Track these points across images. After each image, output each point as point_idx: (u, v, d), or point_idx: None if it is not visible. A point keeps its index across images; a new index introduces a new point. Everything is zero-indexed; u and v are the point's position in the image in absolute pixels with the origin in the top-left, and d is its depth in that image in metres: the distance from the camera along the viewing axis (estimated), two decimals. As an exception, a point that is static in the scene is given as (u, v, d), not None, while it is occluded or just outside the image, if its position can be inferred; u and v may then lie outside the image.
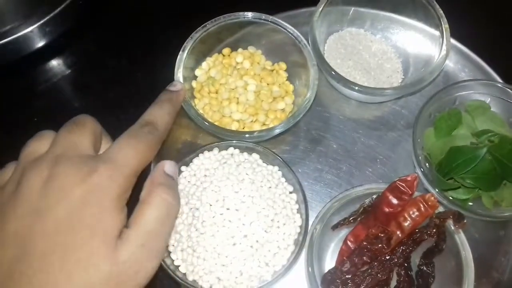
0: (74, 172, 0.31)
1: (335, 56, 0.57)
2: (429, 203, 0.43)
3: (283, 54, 0.56)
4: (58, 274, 0.28)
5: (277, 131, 0.49)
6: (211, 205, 0.45)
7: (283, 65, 0.56)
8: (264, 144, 0.51)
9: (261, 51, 0.56)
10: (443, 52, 0.52)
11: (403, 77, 0.57)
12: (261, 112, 0.53)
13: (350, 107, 0.58)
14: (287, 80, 0.56)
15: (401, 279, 0.45)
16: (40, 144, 0.34)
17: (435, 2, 0.54)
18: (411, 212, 0.44)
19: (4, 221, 0.30)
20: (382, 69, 0.57)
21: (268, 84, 0.54)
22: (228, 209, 0.45)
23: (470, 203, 0.50)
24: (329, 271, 0.46)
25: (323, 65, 0.52)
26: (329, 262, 0.49)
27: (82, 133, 0.34)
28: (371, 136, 0.56)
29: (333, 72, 0.52)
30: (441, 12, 0.53)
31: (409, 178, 0.44)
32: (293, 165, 0.53)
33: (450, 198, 0.49)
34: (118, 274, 0.30)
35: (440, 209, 0.46)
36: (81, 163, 0.32)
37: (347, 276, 0.45)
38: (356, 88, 0.51)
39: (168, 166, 0.39)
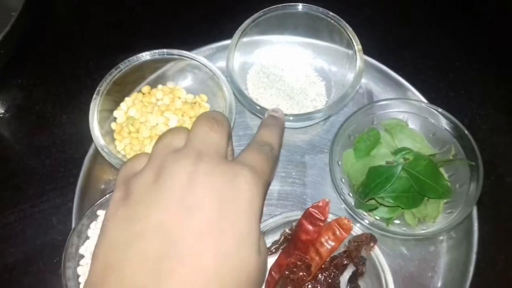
0: (220, 173, 0.30)
1: (258, 85, 0.58)
2: (344, 227, 0.43)
3: (203, 87, 0.56)
4: (212, 276, 0.27)
5: None
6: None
7: (204, 97, 0.56)
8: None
9: (181, 86, 0.56)
10: (358, 70, 0.53)
11: (327, 99, 0.58)
12: (183, 147, 0.53)
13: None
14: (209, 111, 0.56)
15: (328, 307, 0.45)
16: (176, 138, 0.32)
17: (347, 26, 0.55)
18: (327, 237, 0.43)
19: (147, 211, 0.28)
20: (306, 93, 0.58)
21: (190, 117, 0.54)
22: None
23: (397, 221, 0.50)
24: (255, 304, 0.45)
25: (240, 95, 0.52)
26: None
27: (222, 132, 0.32)
28: (300, 161, 0.56)
29: (252, 103, 0.52)
30: (353, 33, 0.54)
31: (320, 204, 0.43)
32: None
33: (376, 218, 0.49)
34: (257, 278, 0.30)
35: (359, 230, 0.45)
36: (224, 164, 0.30)
37: (273, 309, 0.44)
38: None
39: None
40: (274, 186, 0.54)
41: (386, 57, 0.60)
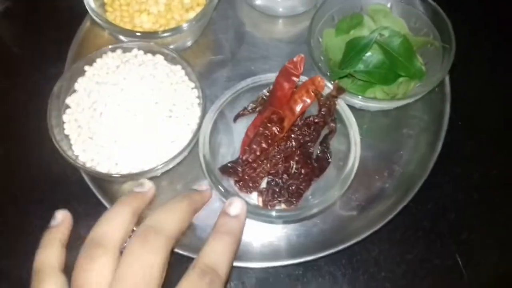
0: None
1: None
2: (317, 84, 0.45)
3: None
4: None
5: (185, 27, 0.50)
6: (109, 96, 0.46)
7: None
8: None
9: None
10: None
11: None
12: (172, 23, 0.54)
13: (266, 24, 0.60)
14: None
15: (299, 166, 0.47)
16: (103, 267, 0.30)
17: None
18: (300, 95, 0.46)
19: None
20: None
21: (180, -3, 0.56)
22: (126, 100, 0.46)
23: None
24: (230, 161, 0.47)
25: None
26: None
27: (159, 249, 0.31)
28: (285, 49, 0.58)
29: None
30: None
31: (295, 59, 0.45)
32: (205, 74, 0.55)
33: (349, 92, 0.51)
34: None
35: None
36: None
37: (246, 164, 0.46)
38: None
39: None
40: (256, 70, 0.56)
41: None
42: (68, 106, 0.48)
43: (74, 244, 0.35)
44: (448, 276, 0.47)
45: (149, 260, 0.30)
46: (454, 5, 0.53)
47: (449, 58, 0.49)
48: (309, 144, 0.48)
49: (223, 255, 0.32)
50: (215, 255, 0.32)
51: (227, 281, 0.33)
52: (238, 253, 0.35)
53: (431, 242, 0.48)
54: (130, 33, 0.51)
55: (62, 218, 0.36)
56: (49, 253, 0.33)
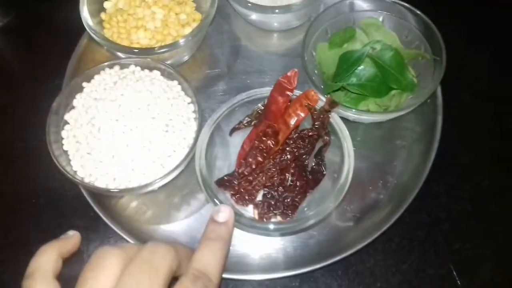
0: None
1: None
2: (310, 98, 0.46)
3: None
4: None
5: (181, 42, 0.52)
6: (106, 112, 0.47)
7: (191, -4, 0.59)
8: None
9: (170, -15, 0.59)
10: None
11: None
12: (169, 38, 0.56)
13: (261, 38, 0.61)
14: (195, 10, 0.58)
15: (295, 178, 0.48)
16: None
17: None
18: (294, 108, 0.46)
19: None
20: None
21: (176, 13, 0.57)
22: (123, 115, 0.47)
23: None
24: (226, 174, 0.48)
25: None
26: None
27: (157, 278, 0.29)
28: (279, 62, 0.59)
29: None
30: None
31: (289, 74, 0.46)
32: (201, 88, 0.56)
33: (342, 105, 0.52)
34: None
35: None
36: None
37: (242, 177, 0.47)
38: (249, 4, 0.54)
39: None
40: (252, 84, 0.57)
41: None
42: (66, 122, 0.49)
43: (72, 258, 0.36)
44: (442, 285, 0.47)
45: None
46: (446, 16, 0.55)
47: (440, 70, 0.50)
48: (304, 156, 0.48)
49: (214, 260, 0.33)
50: (206, 260, 0.33)
51: (219, 286, 0.33)
52: (228, 258, 0.35)
53: (426, 252, 0.48)
54: (127, 50, 0.52)
55: (70, 234, 0.36)
56: (44, 259, 0.32)
